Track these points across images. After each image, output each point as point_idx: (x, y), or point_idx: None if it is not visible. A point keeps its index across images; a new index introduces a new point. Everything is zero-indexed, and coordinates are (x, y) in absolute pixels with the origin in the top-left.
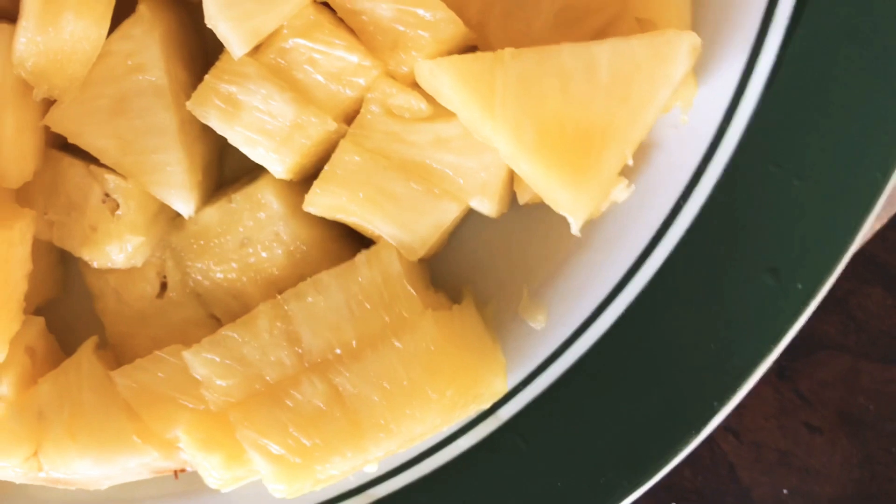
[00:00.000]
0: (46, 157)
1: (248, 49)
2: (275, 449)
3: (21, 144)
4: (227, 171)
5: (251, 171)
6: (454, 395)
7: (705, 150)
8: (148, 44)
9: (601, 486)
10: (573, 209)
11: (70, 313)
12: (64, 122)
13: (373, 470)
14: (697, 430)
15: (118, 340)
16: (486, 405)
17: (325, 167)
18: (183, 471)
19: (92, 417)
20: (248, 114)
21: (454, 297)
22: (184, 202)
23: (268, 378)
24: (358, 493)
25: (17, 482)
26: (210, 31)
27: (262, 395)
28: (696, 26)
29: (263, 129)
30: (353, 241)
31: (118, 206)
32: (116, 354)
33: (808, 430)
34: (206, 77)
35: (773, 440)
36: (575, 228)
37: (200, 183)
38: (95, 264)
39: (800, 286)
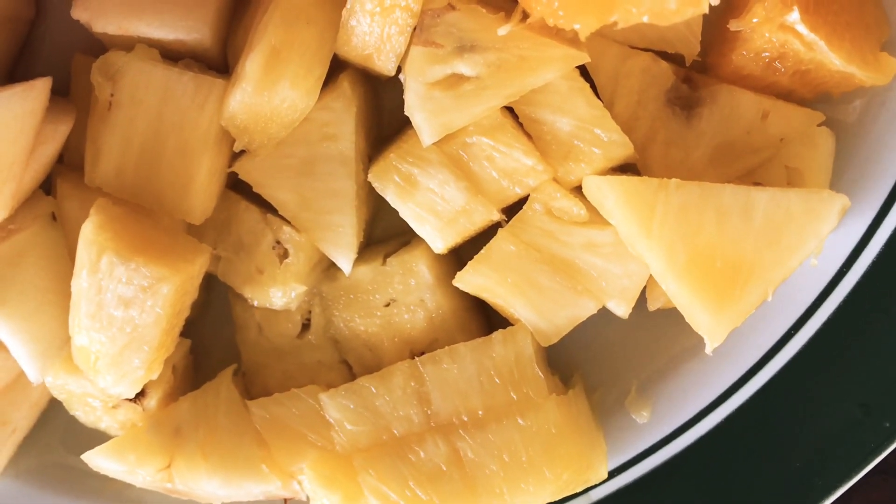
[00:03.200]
0: (223, 197)
1: (436, 139)
2: (393, 498)
3: (210, 186)
4: (378, 231)
5: (399, 236)
6: (568, 478)
7: (823, 288)
8: (344, 118)
9: None
10: (711, 332)
11: (206, 336)
12: (253, 173)
13: None
14: None
15: (251, 370)
16: (582, 489)
17: (482, 251)
18: (292, 499)
19: (225, 440)
20: (423, 194)
21: (563, 379)
22: (346, 259)
23: (395, 431)
24: None
25: (138, 486)
26: (387, 106)
27: (387, 446)
28: (834, 180)
29: (434, 209)
30: (481, 314)
31: (287, 254)
32: (246, 383)
33: None
34: (391, 155)
35: None
36: (709, 349)
37: (361, 243)
38: (256, 303)
39: (887, 424)
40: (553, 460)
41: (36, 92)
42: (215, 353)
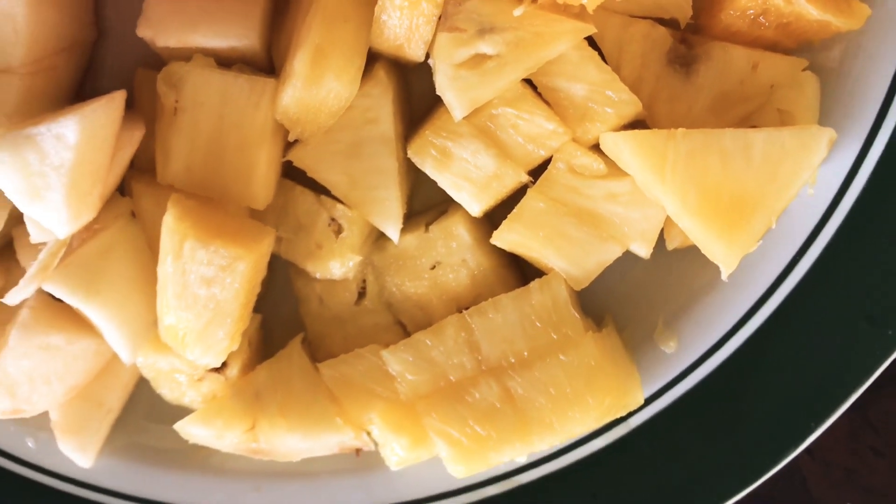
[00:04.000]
0: (279, 184)
1: (466, 113)
2: (455, 436)
3: (269, 175)
4: (417, 204)
5: (437, 206)
6: (610, 404)
7: (821, 215)
8: (383, 103)
9: (712, 488)
10: (725, 260)
11: (269, 313)
12: (306, 160)
13: (522, 460)
14: (796, 446)
15: (315, 338)
16: (624, 413)
17: (514, 210)
18: (361, 449)
19: (301, 400)
20: (458, 164)
21: (596, 321)
22: (394, 229)
23: (451, 377)
24: (505, 478)
25: (224, 451)
26: (416, 90)
27: (445, 391)
28: (822, 118)
29: (469, 176)
30: (517, 268)
31: (342, 229)
32: (312, 350)
33: (873, 453)
34: (427, 132)
35: (842, 460)
36: (725, 275)
37: (405, 215)
38: (318, 275)
39: (890, 332)
40: (595, 389)
41: (115, 103)
42: (279, 328)
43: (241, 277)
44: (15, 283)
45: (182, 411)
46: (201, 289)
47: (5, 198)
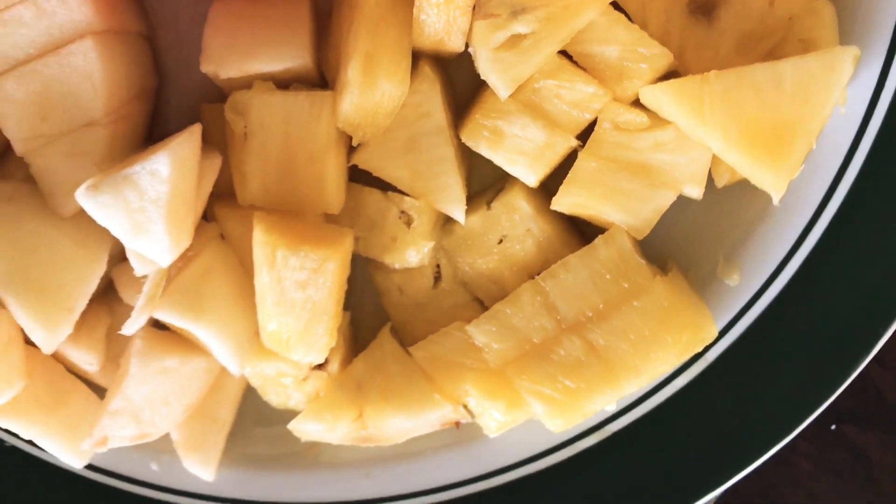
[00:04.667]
0: (348, 188)
1: (511, 92)
2: (547, 393)
3: (338, 181)
4: (474, 186)
5: (493, 185)
6: (688, 339)
7: (856, 130)
8: (431, 95)
9: (796, 404)
10: (774, 186)
11: (354, 307)
12: (369, 161)
13: (612, 408)
14: (867, 352)
15: (400, 326)
16: (701, 348)
17: (569, 174)
18: (460, 423)
19: (399, 383)
20: (510, 140)
21: (659, 267)
22: (460, 212)
23: (534, 340)
24: (598, 428)
25: (335, 443)
26: (458, 79)
27: (531, 354)
28: (842, 39)
29: (522, 150)
30: (577, 230)
31: (412, 220)
32: (399, 337)
33: None
34: (476, 115)
35: None
36: (776, 200)
37: (466, 197)
38: (397, 266)
39: None
40: (671, 328)
41: (195, 135)
42: (365, 322)
43: (332, 276)
44: (121, 320)
45: (287, 415)
46: (297, 293)
47: (104, 242)
